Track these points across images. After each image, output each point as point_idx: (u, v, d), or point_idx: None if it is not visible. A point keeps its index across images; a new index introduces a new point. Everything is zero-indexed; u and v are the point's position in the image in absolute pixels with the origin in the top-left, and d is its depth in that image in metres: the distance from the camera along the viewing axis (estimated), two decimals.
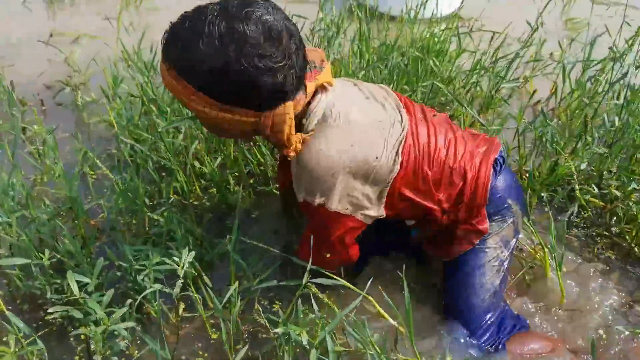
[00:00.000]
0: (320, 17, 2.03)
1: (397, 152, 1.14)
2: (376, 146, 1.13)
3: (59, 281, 1.31)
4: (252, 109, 1.03)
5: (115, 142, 1.79)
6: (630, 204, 1.55)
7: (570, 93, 1.97)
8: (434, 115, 1.27)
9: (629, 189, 1.53)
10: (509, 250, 1.30)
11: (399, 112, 1.19)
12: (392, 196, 1.18)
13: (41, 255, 1.23)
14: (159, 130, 1.58)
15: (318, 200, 1.14)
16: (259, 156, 1.70)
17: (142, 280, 1.21)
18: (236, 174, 1.68)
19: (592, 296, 1.38)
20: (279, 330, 1.10)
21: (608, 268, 1.47)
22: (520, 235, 1.36)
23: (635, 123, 1.65)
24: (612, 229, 1.58)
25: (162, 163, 1.63)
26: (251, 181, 1.68)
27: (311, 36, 2.06)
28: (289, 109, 1.04)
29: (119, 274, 1.32)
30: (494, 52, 1.99)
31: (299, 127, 1.12)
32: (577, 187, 1.54)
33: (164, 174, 1.67)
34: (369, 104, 1.18)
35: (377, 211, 1.19)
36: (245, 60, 0.95)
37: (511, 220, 1.29)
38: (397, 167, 1.15)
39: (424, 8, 2.11)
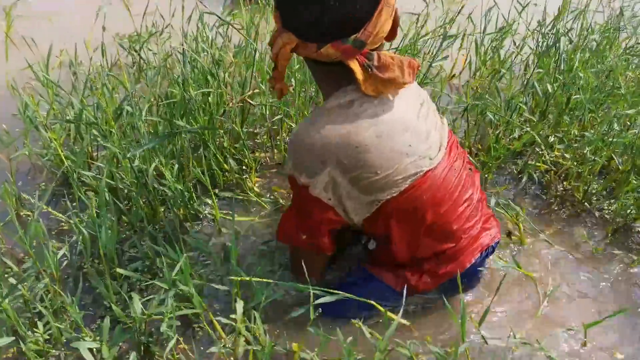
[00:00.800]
0: None
1: (404, 181, 1.08)
2: (385, 164, 1.06)
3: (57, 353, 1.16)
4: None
5: (48, 175, 1.58)
6: (575, 163, 1.73)
7: (478, 68, 2.14)
8: (470, 169, 1.24)
9: (562, 148, 1.71)
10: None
11: (438, 150, 1.13)
12: (376, 216, 1.13)
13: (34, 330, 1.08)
14: (127, 155, 1.42)
15: (303, 180, 1.10)
16: (224, 165, 1.63)
17: (162, 330, 1.11)
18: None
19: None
20: None
21: (564, 224, 1.64)
22: None
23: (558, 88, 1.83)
24: (561, 188, 1.76)
25: (126, 191, 1.49)
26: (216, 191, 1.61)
27: None
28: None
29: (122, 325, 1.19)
30: (414, 33, 2.08)
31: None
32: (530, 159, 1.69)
33: (125, 202, 1.52)
34: (413, 123, 1.10)
35: (356, 218, 1.14)
36: None
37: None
38: (396, 193, 1.09)
39: None
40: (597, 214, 1.67)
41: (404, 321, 1.10)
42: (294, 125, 1.76)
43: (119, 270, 1.20)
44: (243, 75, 1.81)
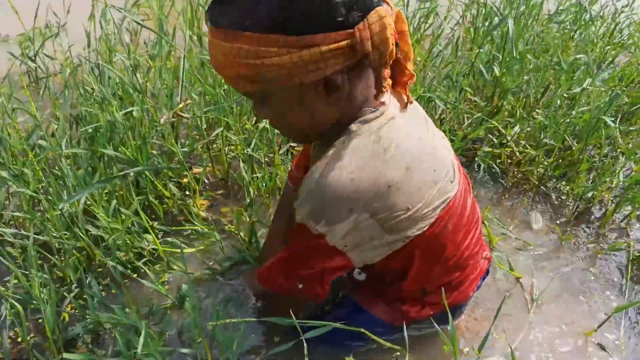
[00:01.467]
0: None
1: (434, 212, 0.94)
2: (416, 197, 0.91)
3: None
4: (338, 27, 0.77)
5: None
6: (528, 147, 1.70)
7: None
8: (472, 187, 1.12)
9: (514, 132, 1.68)
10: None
11: (454, 170, 0.99)
12: (396, 254, 0.98)
13: None
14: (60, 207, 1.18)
15: (320, 229, 0.91)
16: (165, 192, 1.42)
17: None
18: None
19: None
20: None
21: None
22: None
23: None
24: (519, 174, 1.73)
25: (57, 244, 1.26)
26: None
27: None
28: (384, 12, 0.79)
29: None
30: None
31: (340, 133, 0.91)
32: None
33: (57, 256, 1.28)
34: (429, 143, 0.96)
35: (373, 260, 0.98)
36: None
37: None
38: (426, 226, 0.95)
39: None
40: (554, 196, 1.66)
41: (397, 347, 1.01)
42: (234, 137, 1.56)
43: (66, 356, 0.99)
44: (165, 81, 1.59)
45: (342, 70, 0.82)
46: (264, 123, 1.50)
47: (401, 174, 0.88)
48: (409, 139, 0.91)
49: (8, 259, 1.13)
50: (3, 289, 1.11)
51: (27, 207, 1.25)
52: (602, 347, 1.24)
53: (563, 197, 1.66)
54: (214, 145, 1.64)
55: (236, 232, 1.44)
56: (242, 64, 0.78)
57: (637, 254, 1.47)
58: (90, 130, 1.35)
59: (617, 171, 1.60)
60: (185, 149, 1.52)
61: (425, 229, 0.94)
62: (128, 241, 1.29)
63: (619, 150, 1.69)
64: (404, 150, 0.89)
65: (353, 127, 0.90)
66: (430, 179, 0.92)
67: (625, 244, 1.50)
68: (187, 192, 1.53)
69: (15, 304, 1.07)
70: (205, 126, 1.58)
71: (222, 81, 1.56)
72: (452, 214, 0.98)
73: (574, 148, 1.66)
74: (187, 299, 1.23)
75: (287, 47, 0.76)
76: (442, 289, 1.05)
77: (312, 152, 1.13)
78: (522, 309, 1.32)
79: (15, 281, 1.14)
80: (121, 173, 1.06)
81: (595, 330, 1.26)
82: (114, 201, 1.25)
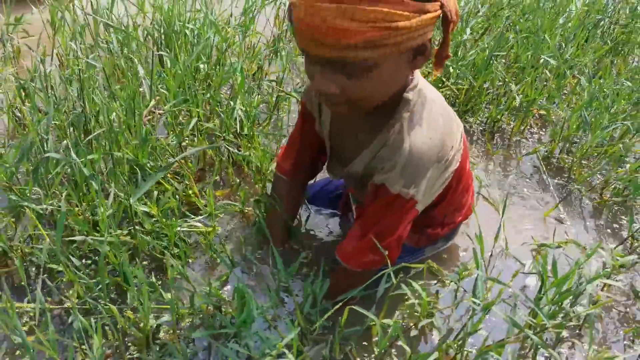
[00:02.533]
0: None
1: (460, 144, 1.12)
2: (456, 134, 1.09)
3: None
4: None
5: None
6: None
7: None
8: None
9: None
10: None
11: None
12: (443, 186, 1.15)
13: None
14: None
15: (412, 192, 1.03)
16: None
17: None
18: None
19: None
20: None
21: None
22: None
23: None
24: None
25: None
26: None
27: None
28: None
29: None
30: None
31: (398, 104, 1.02)
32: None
33: None
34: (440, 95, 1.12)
35: (431, 199, 1.14)
36: None
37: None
38: (460, 158, 1.13)
39: None
40: (469, 129, 2.04)
41: (420, 265, 1.24)
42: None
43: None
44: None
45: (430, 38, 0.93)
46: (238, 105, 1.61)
47: (450, 123, 1.07)
48: (437, 93, 1.10)
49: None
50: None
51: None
52: (559, 220, 1.63)
53: (474, 127, 2.04)
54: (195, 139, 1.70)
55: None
56: (375, 28, 0.83)
57: (545, 154, 1.91)
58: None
59: (512, 96, 2.03)
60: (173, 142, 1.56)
61: (460, 160, 1.14)
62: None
63: (507, 80, 2.11)
64: (443, 103, 1.08)
65: (409, 95, 1.02)
66: (453, 116, 1.12)
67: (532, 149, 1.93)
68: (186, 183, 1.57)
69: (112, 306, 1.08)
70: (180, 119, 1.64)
71: (185, 76, 1.63)
72: (464, 144, 1.19)
73: (474, 84, 2.06)
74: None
75: (414, 12, 0.84)
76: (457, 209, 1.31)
77: (328, 131, 1.21)
78: (494, 213, 1.66)
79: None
80: (173, 160, 1.11)
81: (553, 210, 1.65)
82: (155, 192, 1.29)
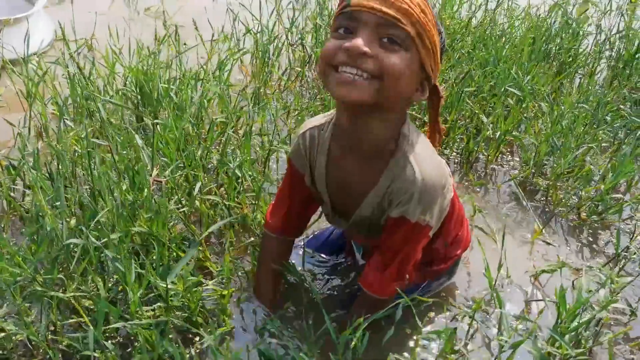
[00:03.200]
0: None
1: (450, 176, 1.21)
2: (444, 164, 1.20)
3: None
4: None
5: None
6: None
7: None
8: None
9: None
10: None
11: None
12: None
13: None
14: None
15: (427, 219, 1.12)
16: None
17: None
18: None
19: None
20: None
21: None
22: None
23: None
24: None
25: None
26: None
27: None
28: None
29: None
30: None
31: (396, 140, 1.11)
32: None
33: None
34: None
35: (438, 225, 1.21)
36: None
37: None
38: (452, 189, 1.22)
39: None
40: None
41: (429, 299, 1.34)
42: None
43: None
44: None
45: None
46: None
47: (435, 152, 1.18)
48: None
49: None
50: None
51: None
52: (547, 242, 1.75)
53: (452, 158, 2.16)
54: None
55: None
56: (419, 7, 0.98)
57: (521, 179, 2.04)
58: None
59: (485, 128, 2.15)
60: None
61: (452, 190, 1.24)
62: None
63: (477, 112, 2.23)
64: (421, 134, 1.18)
65: (405, 129, 1.12)
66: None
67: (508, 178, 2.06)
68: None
69: None
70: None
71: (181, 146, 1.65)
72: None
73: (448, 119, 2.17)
74: None
75: (436, 31, 1.04)
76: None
77: (324, 184, 1.24)
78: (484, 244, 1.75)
79: None
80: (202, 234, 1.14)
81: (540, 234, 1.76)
82: None
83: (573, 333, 1.22)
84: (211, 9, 3.03)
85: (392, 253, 1.19)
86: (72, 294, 1.22)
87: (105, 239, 1.25)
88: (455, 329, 1.33)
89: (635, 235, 1.78)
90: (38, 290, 1.19)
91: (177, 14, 3.04)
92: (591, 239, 1.79)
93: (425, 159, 1.11)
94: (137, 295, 1.16)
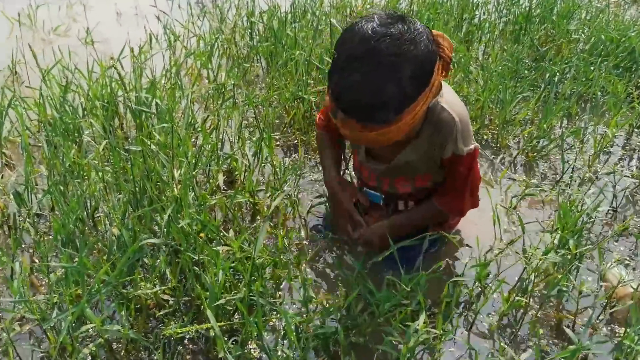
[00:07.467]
0: None
1: None
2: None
3: None
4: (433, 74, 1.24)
5: None
6: None
7: None
8: None
9: None
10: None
11: None
12: None
13: None
14: None
15: (472, 145, 1.37)
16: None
17: None
18: None
19: None
20: None
21: None
22: None
23: None
24: None
25: None
26: None
27: None
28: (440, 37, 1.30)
29: None
30: None
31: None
32: None
33: None
34: None
35: None
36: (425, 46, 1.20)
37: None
38: None
39: None
40: None
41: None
42: None
43: None
44: None
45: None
46: None
47: None
48: None
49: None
50: None
51: None
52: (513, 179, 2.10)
53: None
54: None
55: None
56: (408, 127, 1.24)
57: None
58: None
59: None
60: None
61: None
62: None
63: None
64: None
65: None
66: None
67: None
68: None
69: None
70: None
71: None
72: None
73: None
74: None
75: (425, 100, 1.25)
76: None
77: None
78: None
79: None
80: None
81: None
82: None
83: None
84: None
85: (462, 183, 1.46)
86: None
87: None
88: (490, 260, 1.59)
89: (576, 156, 2.20)
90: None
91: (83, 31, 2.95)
92: (543, 170, 2.17)
93: (453, 101, 1.35)
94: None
